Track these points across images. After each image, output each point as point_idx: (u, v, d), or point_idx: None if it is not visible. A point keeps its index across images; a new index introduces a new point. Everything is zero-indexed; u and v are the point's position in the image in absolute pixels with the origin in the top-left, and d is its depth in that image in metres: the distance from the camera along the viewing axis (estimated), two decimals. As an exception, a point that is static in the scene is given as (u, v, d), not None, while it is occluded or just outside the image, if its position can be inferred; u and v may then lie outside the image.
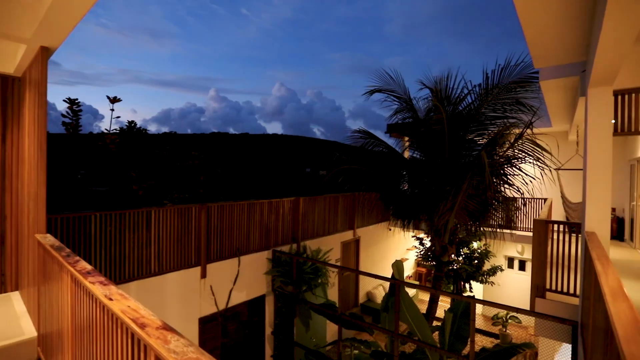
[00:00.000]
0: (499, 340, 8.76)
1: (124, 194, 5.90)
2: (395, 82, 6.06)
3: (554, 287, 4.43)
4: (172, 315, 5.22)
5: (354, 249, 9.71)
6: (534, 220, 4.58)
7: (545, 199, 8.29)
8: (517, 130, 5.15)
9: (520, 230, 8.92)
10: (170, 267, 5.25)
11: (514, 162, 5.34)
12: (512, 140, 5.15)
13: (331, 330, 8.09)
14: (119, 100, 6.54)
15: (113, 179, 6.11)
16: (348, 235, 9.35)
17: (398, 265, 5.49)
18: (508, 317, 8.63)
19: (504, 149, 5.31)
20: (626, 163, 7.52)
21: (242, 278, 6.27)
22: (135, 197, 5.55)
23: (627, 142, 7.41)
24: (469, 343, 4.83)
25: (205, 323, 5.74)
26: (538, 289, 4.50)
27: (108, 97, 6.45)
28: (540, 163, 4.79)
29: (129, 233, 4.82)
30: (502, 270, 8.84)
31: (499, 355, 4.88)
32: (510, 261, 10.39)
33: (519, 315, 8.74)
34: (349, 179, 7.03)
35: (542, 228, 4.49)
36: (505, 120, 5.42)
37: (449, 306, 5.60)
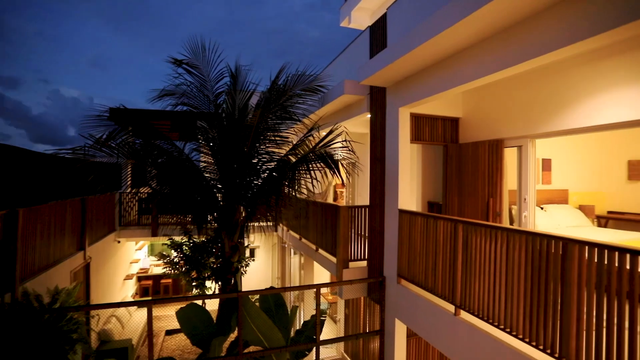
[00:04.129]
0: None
1: None
2: (203, 60, 5.07)
3: (352, 257, 5.67)
4: None
5: (84, 276, 6.84)
6: (340, 207, 5.60)
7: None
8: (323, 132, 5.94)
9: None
10: None
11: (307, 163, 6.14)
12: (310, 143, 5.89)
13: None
14: None
15: None
16: (78, 259, 6.46)
17: (236, 278, 4.73)
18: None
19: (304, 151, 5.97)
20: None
21: None
22: None
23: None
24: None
25: None
26: (344, 262, 5.57)
27: None
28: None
29: None
30: (253, 260, 9.62)
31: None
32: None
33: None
34: (105, 178, 5.17)
35: (346, 213, 5.61)
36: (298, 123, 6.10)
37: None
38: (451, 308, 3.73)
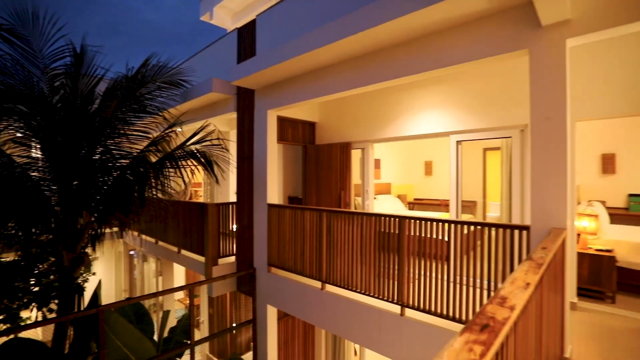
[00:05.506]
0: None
1: None
2: (35, 30, 4.07)
3: (220, 254, 5.70)
4: None
5: None
6: (209, 205, 5.53)
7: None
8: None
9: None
10: None
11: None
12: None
13: None
14: None
15: None
16: None
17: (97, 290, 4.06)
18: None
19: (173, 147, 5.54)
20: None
21: None
22: None
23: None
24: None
25: None
26: (214, 260, 5.55)
27: None
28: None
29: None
30: (94, 274, 8.06)
31: (185, 326, 5.38)
32: (74, 265, 9.40)
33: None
34: None
35: (215, 210, 5.59)
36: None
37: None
38: (318, 284, 4.40)
